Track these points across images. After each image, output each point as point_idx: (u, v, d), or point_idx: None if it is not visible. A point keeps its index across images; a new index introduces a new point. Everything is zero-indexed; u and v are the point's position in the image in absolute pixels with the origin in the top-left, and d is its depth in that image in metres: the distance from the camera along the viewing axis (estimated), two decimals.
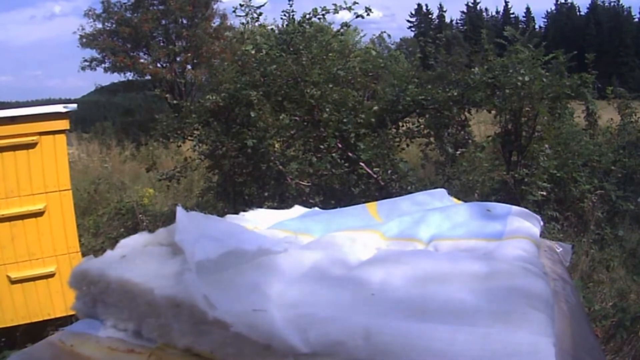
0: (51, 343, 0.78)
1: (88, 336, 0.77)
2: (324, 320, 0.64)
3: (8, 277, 2.61)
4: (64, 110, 2.72)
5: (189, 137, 4.48)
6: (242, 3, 4.34)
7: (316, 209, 1.47)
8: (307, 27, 4.37)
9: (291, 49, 4.22)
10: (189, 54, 17.08)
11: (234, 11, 4.47)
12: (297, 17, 4.44)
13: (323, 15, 4.35)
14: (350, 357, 0.60)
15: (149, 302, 0.72)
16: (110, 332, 0.77)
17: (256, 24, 4.51)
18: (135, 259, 0.82)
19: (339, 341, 0.60)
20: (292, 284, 0.76)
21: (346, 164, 3.97)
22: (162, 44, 17.38)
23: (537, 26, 41.03)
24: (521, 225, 1.16)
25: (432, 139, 4.47)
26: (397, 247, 1.07)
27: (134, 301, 0.74)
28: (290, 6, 4.52)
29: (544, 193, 4.10)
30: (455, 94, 4.21)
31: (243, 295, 0.70)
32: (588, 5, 44.72)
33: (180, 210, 0.87)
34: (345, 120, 3.94)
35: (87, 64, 17.04)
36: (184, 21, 17.48)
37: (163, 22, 17.31)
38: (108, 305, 0.79)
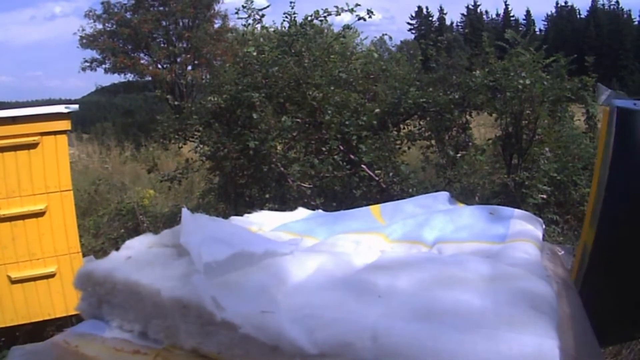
0: (55, 343, 0.78)
1: (93, 337, 0.77)
2: (332, 321, 0.64)
3: (8, 277, 2.61)
4: (66, 110, 2.72)
5: (190, 139, 4.48)
6: (245, 5, 4.35)
7: (320, 211, 1.47)
8: (309, 29, 4.37)
9: (293, 51, 4.22)
10: (189, 55, 17.11)
11: (236, 13, 4.48)
12: (299, 19, 4.45)
13: (325, 17, 4.36)
14: (358, 358, 0.60)
15: (156, 303, 0.72)
16: (116, 332, 0.77)
17: (258, 25, 4.51)
18: (141, 260, 0.82)
19: (347, 342, 0.61)
20: (299, 285, 0.76)
21: (348, 166, 3.97)
22: (162, 45, 17.41)
23: (537, 29, 41.07)
24: (524, 228, 1.17)
25: (433, 142, 4.47)
26: (402, 249, 1.07)
27: (141, 302, 0.74)
28: (292, 8, 4.53)
29: (544, 196, 4.10)
30: (457, 96, 4.21)
31: (251, 297, 0.70)
32: (588, 8, 44.72)
33: (185, 212, 0.87)
34: (347, 122, 3.94)
35: (87, 64, 17.08)
36: (186, 22, 17.51)
37: (163, 23, 17.33)
38: (114, 306, 0.79)
